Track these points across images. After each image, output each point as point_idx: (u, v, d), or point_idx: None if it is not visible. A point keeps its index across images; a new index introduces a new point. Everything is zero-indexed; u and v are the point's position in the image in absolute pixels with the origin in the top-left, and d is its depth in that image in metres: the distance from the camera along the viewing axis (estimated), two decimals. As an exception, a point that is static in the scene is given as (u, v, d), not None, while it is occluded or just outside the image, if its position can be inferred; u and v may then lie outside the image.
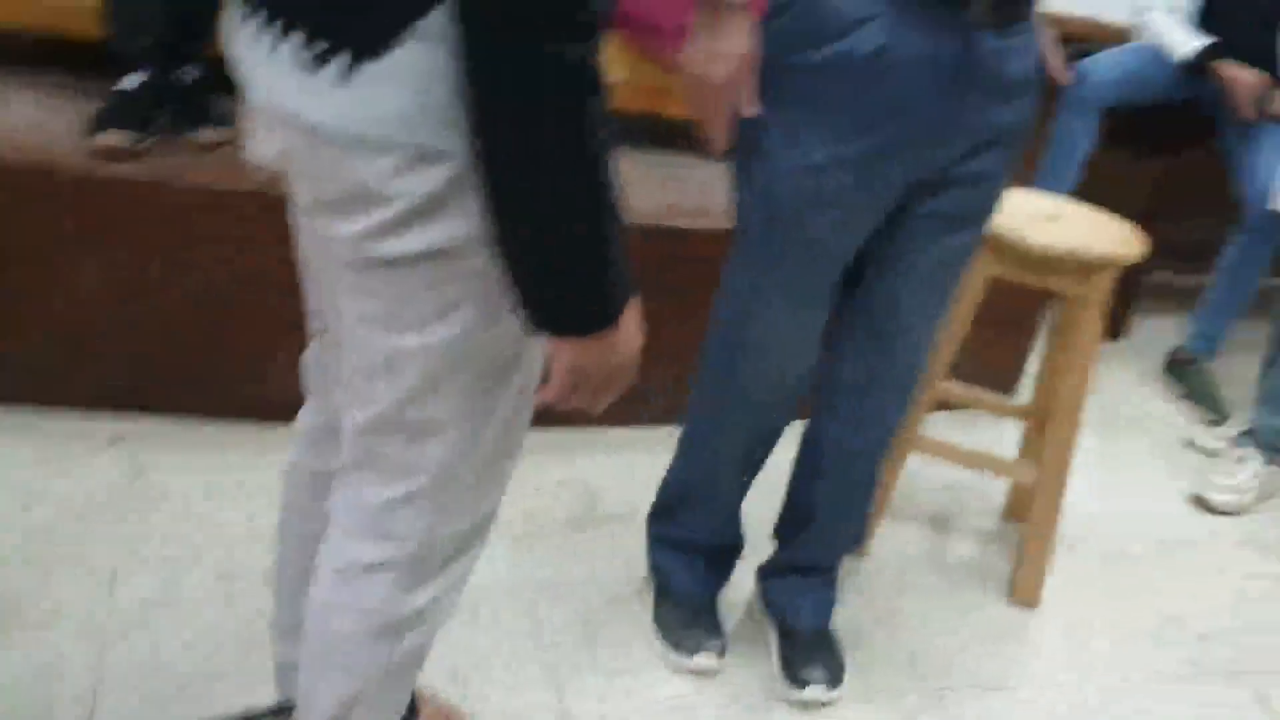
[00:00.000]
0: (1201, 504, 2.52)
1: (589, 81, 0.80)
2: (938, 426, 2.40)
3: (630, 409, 2.33)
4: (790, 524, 1.79)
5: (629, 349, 0.94)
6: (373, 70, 0.83)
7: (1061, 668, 1.94)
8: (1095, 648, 2.00)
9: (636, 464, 2.22)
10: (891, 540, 2.16)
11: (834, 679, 1.75)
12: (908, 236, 1.50)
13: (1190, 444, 2.79)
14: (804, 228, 1.45)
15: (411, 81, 0.83)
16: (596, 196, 0.83)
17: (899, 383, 1.64)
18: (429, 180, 0.86)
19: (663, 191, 2.43)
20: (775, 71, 1.38)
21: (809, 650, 1.77)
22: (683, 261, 2.27)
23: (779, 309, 1.54)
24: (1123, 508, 2.45)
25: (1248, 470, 2.56)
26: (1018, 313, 2.64)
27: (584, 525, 2.03)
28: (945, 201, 1.47)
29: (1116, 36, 3.27)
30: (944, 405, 2.34)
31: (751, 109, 1.40)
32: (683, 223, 2.29)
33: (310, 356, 1.21)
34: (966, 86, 1.36)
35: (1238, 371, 3.07)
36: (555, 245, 0.84)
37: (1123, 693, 1.90)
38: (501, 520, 1.94)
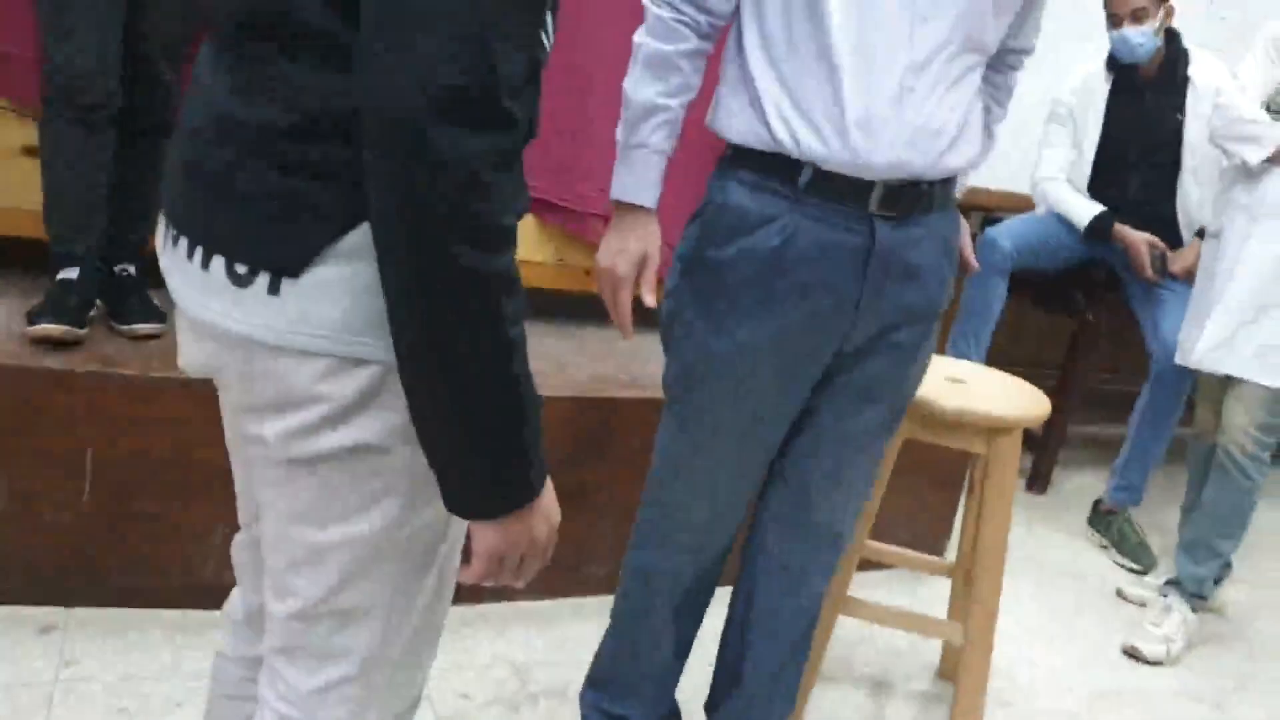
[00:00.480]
0: (1133, 654, 2.56)
1: (505, 288, 0.87)
2: (874, 586, 2.44)
3: (563, 580, 2.36)
4: (721, 688, 1.80)
5: (547, 527, 0.99)
6: (295, 287, 0.90)
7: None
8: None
9: (569, 636, 2.23)
10: (826, 705, 2.17)
11: None
12: (827, 409, 1.58)
13: (1119, 594, 2.85)
14: (728, 404, 1.53)
15: (333, 296, 0.90)
16: (512, 391, 0.90)
17: (821, 548, 1.69)
18: (354, 382, 0.92)
19: (595, 364, 2.52)
20: (694, 265, 1.51)
21: None
22: (615, 432, 2.33)
23: (707, 475, 1.59)
24: (1055, 661, 2.49)
25: (1175, 619, 2.61)
26: (944, 472, 2.72)
27: (516, 703, 2.02)
28: (861, 376, 1.55)
29: (1026, 204, 3.48)
30: (871, 564, 2.39)
31: (651, 300, 1.53)
32: (615, 393, 2.36)
33: (239, 543, 1.24)
34: (872, 272, 1.46)
35: (1161, 520, 3.17)
36: (474, 438, 0.90)
37: None
38: (431, 699, 1.95)
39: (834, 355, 1.52)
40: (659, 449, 1.64)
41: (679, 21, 1.48)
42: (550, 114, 2.55)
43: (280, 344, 0.91)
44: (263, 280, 0.91)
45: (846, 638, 2.38)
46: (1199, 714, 2.37)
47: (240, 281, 0.92)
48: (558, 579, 2.35)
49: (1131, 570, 3.01)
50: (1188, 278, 2.95)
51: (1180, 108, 3.10)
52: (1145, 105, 3.14)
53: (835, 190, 1.42)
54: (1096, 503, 3.20)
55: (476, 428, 0.89)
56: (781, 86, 1.41)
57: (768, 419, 1.56)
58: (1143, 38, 3.01)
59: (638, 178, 1.53)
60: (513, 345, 0.88)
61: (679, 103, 1.52)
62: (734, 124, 1.47)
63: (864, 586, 2.11)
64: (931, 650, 2.40)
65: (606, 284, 1.56)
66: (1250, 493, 2.57)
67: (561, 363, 2.49)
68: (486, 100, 0.81)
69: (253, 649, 1.22)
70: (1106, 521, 3.13)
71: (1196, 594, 2.65)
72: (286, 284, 0.90)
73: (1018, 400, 2.00)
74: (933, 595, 2.51)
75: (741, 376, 1.50)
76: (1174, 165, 3.13)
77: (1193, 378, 2.85)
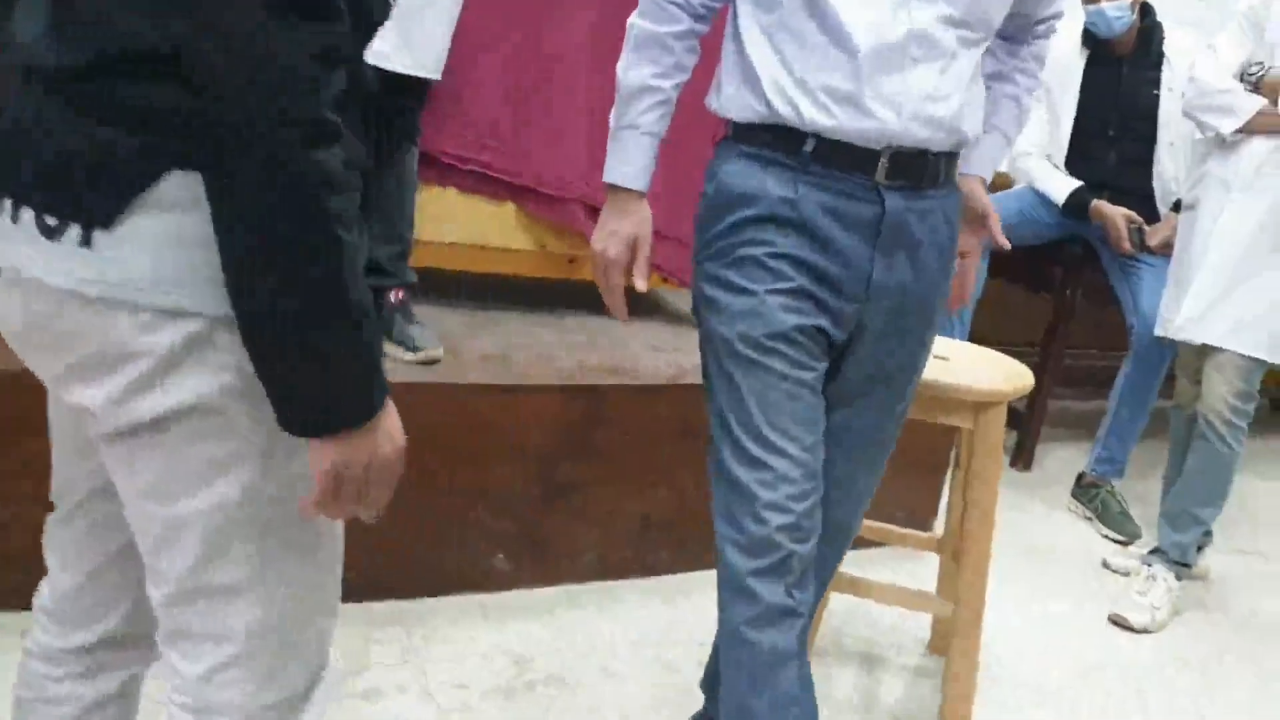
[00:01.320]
0: (1119, 623, 2.59)
1: (332, 184, 0.85)
2: (863, 563, 2.45)
3: (556, 568, 2.37)
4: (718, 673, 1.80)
5: (391, 447, 0.97)
6: (108, 238, 0.88)
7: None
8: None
9: (565, 624, 2.23)
10: (819, 680, 2.12)
11: None
12: (843, 408, 1.56)
13: (1104, 565, 2.88)
14: (760, 356, 1.46)
15: (148, 247, 0.88)
16: (344, 296, 0.88)
17: (833, 543, 1.65)
18: (170, 335, 0.90)
19: (581, 352, 2.52)
20: (704, 244, 1.51)
21: None
22: (603, 421, 2.33)
23: (771, 432, 1.47)
24: (1044, 634, 2.51)
25: (1160, 588, 2.65)
26: (930, 449, 2.74)
27: (515, 692, 2.02)
28: (869, 365, 1.54)
29: (1003, 182, 3.50)
30: (860, 542, 2.41)
31: (642, 284, 1.53)
32: (603, 380, 2.36)
33: (51, 521, 1.18)
34: (883, 242, 1.45)
35: (1144, 490, 3.20)
36: (306, 346, 0.88)
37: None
38: (430, 692, 1.95)
39: (849, 337, 1.50)
40: (715, 432, 1.52)
41: (671, 3, 1.48)
42: (528, 101, 2.57)
43: (93, 296, 0.89)
44: (74, 232, 0.88)
45: (838, 613, 2.40)
46: (1185, 683, 2.40)
47: (51, 233, 0.89)
48: (552, 567, 2.36)
49: (1116, 541, 3.04)
50: (1165, 251, 2.98)
51: (1156, 82, 3.13)
52: (1121, 80, 3.16)
53: (841, 159, 1.42)
54: (1080, 476, 3.23)
55: (308, 335, 0.88)
56: (779, 60, 1.41)
57: (806, 365, 1.47)
58: (1119, 11, 3.03)
59: (629, 160, 1.52)
60: (344, 245, 0.87)
61: (672, 85, 1.51)
62: (732, 101, 1.47)
63: (854, 563, 2.12)
64: (921, 625, 2.42)
65: (599, 268, 1.56)
66: (1230, 461, 2.60)
67: (547, 352, 2.49)
68: None
69: (60, 641, 1.17)
70: (1090, 494, 3.16)
71: (1180, 562, 2.68)
72: (98, 235, 0.88)
73: (1001, 374, 2.02)
74: (922, 571, 2.53)
75: (771, 324, 1.45)
76: (1150, 139, 3.15)
77: (1173, 350, 2.88)
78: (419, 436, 2.11)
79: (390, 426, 0.96)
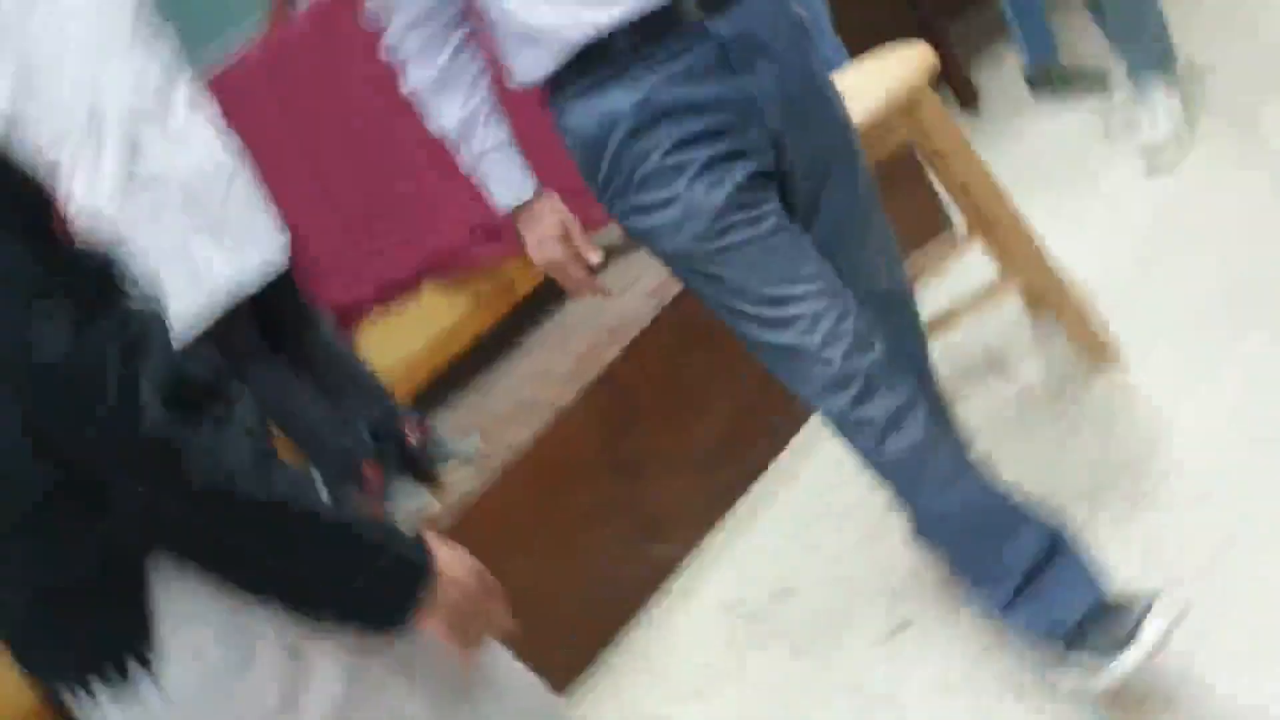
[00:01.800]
0: (1155, 160, 2.53)
1: (218, 457, 0.86)
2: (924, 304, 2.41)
3: (692, 529, 2.33)
4: None
5: (465, 572, 1.00)
6: (162, 660, 0.90)
7: (1188, 408, 1.92)
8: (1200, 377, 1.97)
9: (739, 554, 2.25)
10: (972, 411, 2.05)
11: None
12: (808, 210, 1.55)
13: (1106, 133, 2.79)
14: (721, 241, 1.47)
15: (193, 633, 0.90)
16: (314, 521, 0.91)
17: (889, 316, 1.63)
18: (267, 675, 0.92)
19: (570, 349, 2.51)
20: (601, 187, 1.50)
21: None
22: (636, 379, 2.30)
23: (790, 293, 1.48)
24: (1102, 233, 2.46)
25: (1159, 103, 2.57)
26: (897, 166, 2.67)
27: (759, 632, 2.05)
28: (806, 161, 1.52)
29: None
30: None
31: (596, 257, 1.56)
32: (611, 355, 2.32)
33: None
34: (734, 68, 1.43)
35: (1085, 47, 3.07)
36: (329, 577, 0.92)
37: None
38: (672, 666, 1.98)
39: (772, 153, 1.48)
40: (735, 323, 1.54)
41: (421, 44, 1.47)
42: (377, 191, 2.50)
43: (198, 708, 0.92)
44: (141, 677, 0.90)
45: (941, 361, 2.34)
46: (1258, 192, 2.27)
47: (121, 688, 0.91)
48: (688, 530, 2.35)
49: (1099, 98, 2.92)
50: None
51: None
52: None
53: (652, 33, 1.40)
54: (1027, 80, 3.15)
55: (324, 566, 0.91)
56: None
57: (764, 227, 1.47)
58: None
59: (503, 179, 1.54)
60: (277, 487, 0.89)
61: (480, 99, 1.51)
62: (528, 66, 1.46)
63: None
64: (1011, 308, 2.33)
65: (555, 275, 1.58)
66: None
67: (546, 376, 2.47)
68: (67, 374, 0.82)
69: None
70: (1044, 82, 3.10)
71: (1156, 68, 2.59)
72: (156, 664, 0.90)
73: (899, 71, 1.96)
74: (973, 271, 2.43)
75: (698, 206, 1.45)
76: None
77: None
78: (512, 537, 2.10)
79: (449, 559, 0.99)
